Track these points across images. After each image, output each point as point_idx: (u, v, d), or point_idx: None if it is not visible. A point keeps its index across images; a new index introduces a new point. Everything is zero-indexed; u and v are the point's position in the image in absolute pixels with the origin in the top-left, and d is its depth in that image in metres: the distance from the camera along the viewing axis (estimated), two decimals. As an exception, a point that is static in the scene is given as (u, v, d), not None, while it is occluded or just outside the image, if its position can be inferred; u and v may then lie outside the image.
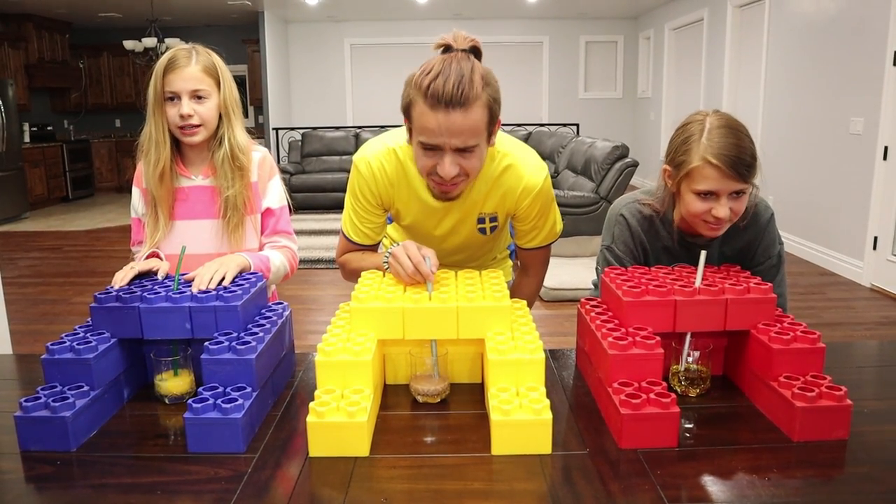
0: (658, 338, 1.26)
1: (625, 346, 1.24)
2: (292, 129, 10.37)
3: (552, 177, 6.91)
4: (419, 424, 1.29)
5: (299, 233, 7.24)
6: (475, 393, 1.40)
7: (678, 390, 1.38)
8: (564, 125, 10.34)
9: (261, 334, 1.31)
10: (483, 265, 1.87)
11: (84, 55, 11.30)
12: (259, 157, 1.84)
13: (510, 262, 2.02)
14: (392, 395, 1.40)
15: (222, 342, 1.27)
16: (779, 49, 6.52)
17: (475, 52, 1.42)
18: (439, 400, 1.36)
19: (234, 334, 1.32)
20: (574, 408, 1.34)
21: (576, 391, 1.42)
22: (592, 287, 1.94)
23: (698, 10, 8.61)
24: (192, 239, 1.77)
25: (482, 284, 1.42)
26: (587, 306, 1.48)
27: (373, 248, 1.78)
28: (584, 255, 5.69)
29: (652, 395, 1.18)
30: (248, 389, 1.24)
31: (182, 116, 1.69)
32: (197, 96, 1.71)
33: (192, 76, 1.70)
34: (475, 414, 1.31)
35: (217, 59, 1.77)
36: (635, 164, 5.86)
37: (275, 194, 1.86)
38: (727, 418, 1.29)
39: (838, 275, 5.47)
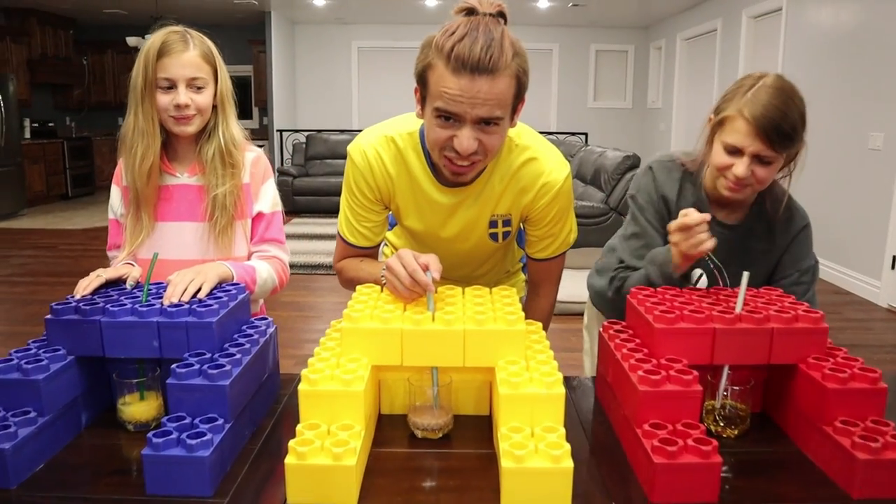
0: (695, 372, 1.09)
1: (657, 382, 1.07)
2: (297, 131, 10.22)
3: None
4: (417, 465, 1.11)
5: (301, 237, 7.08)
6: (482, 427, 1.23)
7: (713, 429, 1.21)
8: (573, 134, 10.18)
9: (238, 356, 1.14)
10: (494, 280, 1.70)
11: (88, 52, 11.15)
12: (253, 157, 1.68)
13: (522, 277, 1.84)
14: (387, 428, 1.23)
15: (192, 364, 1.10)
16: (795, 61, 6.34)
17: (502, 17, 1.25)
18: (441, 435, 1.18)
19: (208, 355, 1.15)
20: (595, 450, 1.17)
21: (596, 429, 1.25)
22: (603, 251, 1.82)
23: (712, 20, 8.45)
24: (175, 243, 1.62)
25: (493, 303, 1.25)
26: (611, 331, 1.31)
27: (372, 251, 1.60)
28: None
29: (690, 442, 1.01)
30: (220, 421, 1.07)
31: (178, 106, 1.54)
32: (195, 85, 1.56)
33: (191, 62, 1.54)
34: (482, 454, 1.13)
35: (213, 46, 1.62)
36: (647, 175, 5.67)
37: (268, 198, 1.69)
38: (772, 467, 1.12)
39: (854, 294, 5.28)
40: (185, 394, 1.08)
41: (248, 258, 1.66)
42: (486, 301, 1.25)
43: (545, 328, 1.54)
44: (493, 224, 1.51)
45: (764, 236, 1.56)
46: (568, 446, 0.98)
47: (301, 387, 1.07)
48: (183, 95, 1.54)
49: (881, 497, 1.01)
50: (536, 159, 1.44)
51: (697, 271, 1.56)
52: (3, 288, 5.26)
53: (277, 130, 10.20)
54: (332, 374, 1.09)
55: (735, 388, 1.20)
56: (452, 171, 1.34)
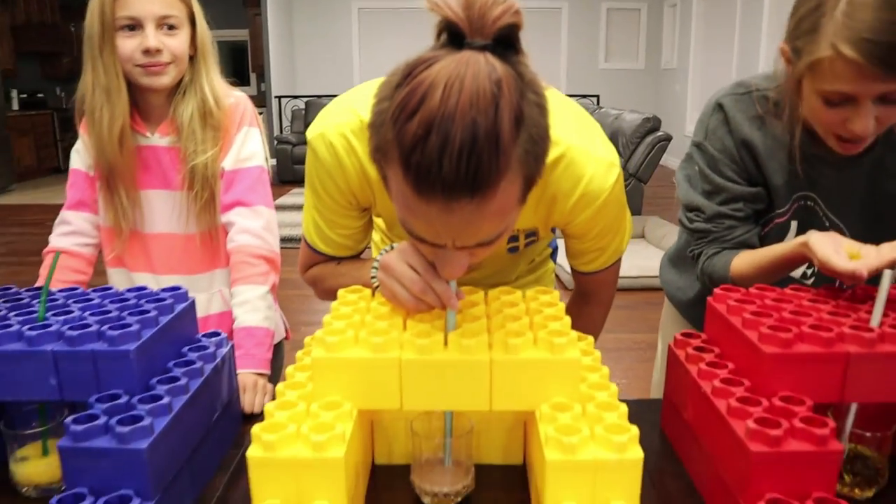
0: (831, 422, 0.74)
1: (778, 439, 0.72)
2: (296, 97, 9.82)
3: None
4: (425, 555, 0.78)
5: (297, 208, 6.72)
6: (514, 486, 0.88)
7: (839, 489, 0.86)
8: (584, 96, 9.77)
9: (166, 399, 0.80)
10: (515, 276, 1.31)
11: (75, 18, 10.70)
12: (231, 104, 1.36)
13: (552, 266, 1.45)
14: (384, 488, 0.89)
15: (97, 416, 0.76)
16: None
17: (507, 41, 0.72)
18: (458, 501, 0.84)
19: (123, 399, 0.80)
20: (679, 527, 0.82)
21: (669, 487, 0.90)
22: (678, 193, 1.28)
23: (733, -27, 7.98)
24: (148, 215, 1.37)
25: (530, 315, 0.89)
26: (689, 349, 0.95)
27: (353, 258, 1.18)
28: (610, 238, 5.15)
29: (837, 537, 0.67)
30: (137, 501, 0.72)
31: (147, 51, 1.25)
32: (167, 24, 1.26)
33: None
34: (517, 535, 0.79)
35: None
36: (668, 138, 5.29)
37: (237, 150, 1.35)
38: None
39: None
40: (85, 462, 0.74)
41: (224, 241, 1.37)
42: (520, 312, 0.89)
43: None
44: (513, 239, 1.12)
45: None
46: (655, 549, 0.64)
47: (251, 452, 0.72)
48: (152, 38, 1.25)
49: None
50: (572, 160, 0.99)
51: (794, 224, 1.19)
52: (-18, 269, 4.95)
53: (276, 97, 9.82)
54: (297, 431, 0.74)
55: (874, 433, 0.85)
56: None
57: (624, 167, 5.34)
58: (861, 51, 0.91)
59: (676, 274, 1.43)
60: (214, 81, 1.35)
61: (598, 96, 9.97)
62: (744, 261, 1.13)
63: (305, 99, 9.46)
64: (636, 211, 5.46)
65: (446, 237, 0.75)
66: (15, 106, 9.21)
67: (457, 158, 0.65)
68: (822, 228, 1.18)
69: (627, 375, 3.15)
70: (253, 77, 11.01)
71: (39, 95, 9.99)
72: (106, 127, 1.28)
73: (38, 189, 8.40)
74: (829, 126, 1.04)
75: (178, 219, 1.36)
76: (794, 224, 1.20)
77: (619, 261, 1.16)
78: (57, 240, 1.42)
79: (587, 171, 0.98)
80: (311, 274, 1.18)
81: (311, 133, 1.03)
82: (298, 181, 8.26)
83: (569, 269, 1.25)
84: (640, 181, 5.31)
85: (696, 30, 9.24)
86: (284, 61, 10.34)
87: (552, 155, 0.90)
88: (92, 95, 1.29)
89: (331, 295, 1.04)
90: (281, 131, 9.81)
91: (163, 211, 1.37)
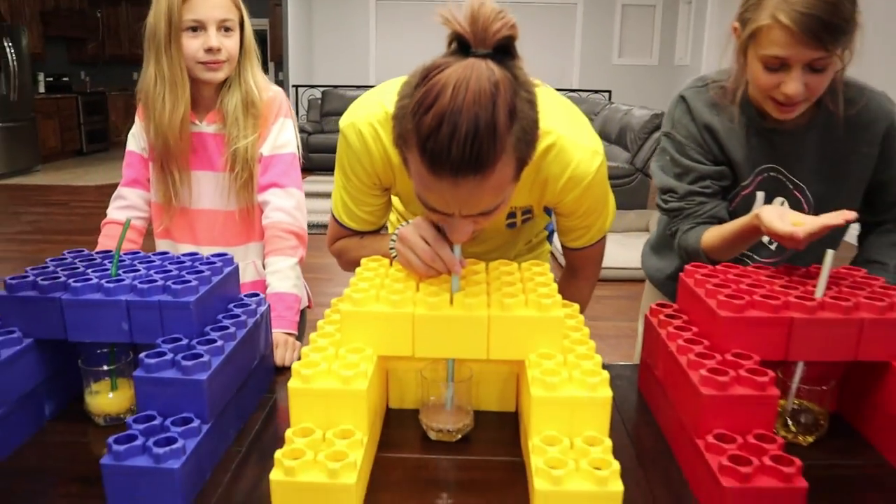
0: (771, 373, 0.90)
1: (725, 385, 0.88)
2: (312, 86, 9.96)
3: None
4: (430, 476, 0.93)
5: (315, 196, 6.88)
6: (508, 427, 1.04)
7: (784, 436, 1.01)
8: (596, 91, 9.85)
9: (220, 343, 0.96)
10: (512, 254, 1.47)
11: (102, 4, 10.89)
12: (269, 97, 1.54)
13: (548, 247, 1.61)
14: (396, 426, 1.05)
15: (164, 354, 0.92)
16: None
17: (505, 49, 0.88)
18: (459, 437, 1.00)
19: (184, 342, 0.97)
20: (644, 462, 0.98)
21: (642, 434, 1.06)
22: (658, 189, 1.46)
23: (747, -29, 8.05)
24: (195, 193, 1.55)
25: (523, 283, 1.05)
26: (660, 316, 1.11)
27: (374, 233, 1.35)
28: (618, 230, 5.28)
29: (767, 460, 0.82)
30: (196, 423, 0.89)
31: (210, 50, 1.43)
32: (224, 27, 1.45)
33: (221, 3, 1.44)
34: (507, 463, 0.95)
35: None
36: (676, 135, 5.40)
37: (271, 139, 1.54)
38: (858, 484, 0.93)
39: None
40: (155, 389, 0.90)
41: (259, 218, 1.56)
42: (515, 280, 1.05)
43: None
44: (511, 215, 1.28)
45: (845, 137, 1.31)
46: (616, 465, 0.80)
47: (291, 384, 0.89)
48: (214, 38, 1.43)
49: None
50: (561, 148, 1.15)
51: (760, 194, 1.36)
52: (12, 246, 5.13)
53: (293, 86, 9.94)
54: (329, 369, 0.91)
55: (813, 388, 1.00)
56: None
57: (631, 162, 5.48)
58: (794, 20, 1.10)
59: (657, 259, 1.61)
60: (257, 76, 1.53)
61: (609, 92, 10.02)
62: (712, 234, 1.30)
63: (322, 89, 9.58)
64: (642, 205, 5.59)
65: (454, 207, 0.93)
66: (41, 89, 9.40)
67: (463, 144, 0.82)
68: (787, 193, 1.35)
69: (625, 361, 3.29)
70: (271, 66, 11.14)
71: (65, 79, 10.20)
72: (168, 114, 1.45)
73: (61, 171, 8.60)
74: (767, 90, 1.21)
75: (220, 197, 1.54)
76: (761, 195, 1.36)
77: (603, 239, 1.33)
78: (114, 212, 1.60)
79: (574, 158, 1.15)
80: (337, 246, 1.35)
81: (343, 122, 1.20)
82: (314, 169, 8.41)
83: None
84: (647, 176, 5.44)
85: (710, 27, 9.30)
86: (302, 51, 10.45)
87: (544, 143, 1.11)
88: (155, 87, 1.45)
89: (353, 265, 1.22)
90: (297, 119, 9.94)
91: (207, 189, 1.54)
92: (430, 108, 0.83)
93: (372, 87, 1.26)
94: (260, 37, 10.71)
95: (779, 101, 1.21)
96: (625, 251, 4.36)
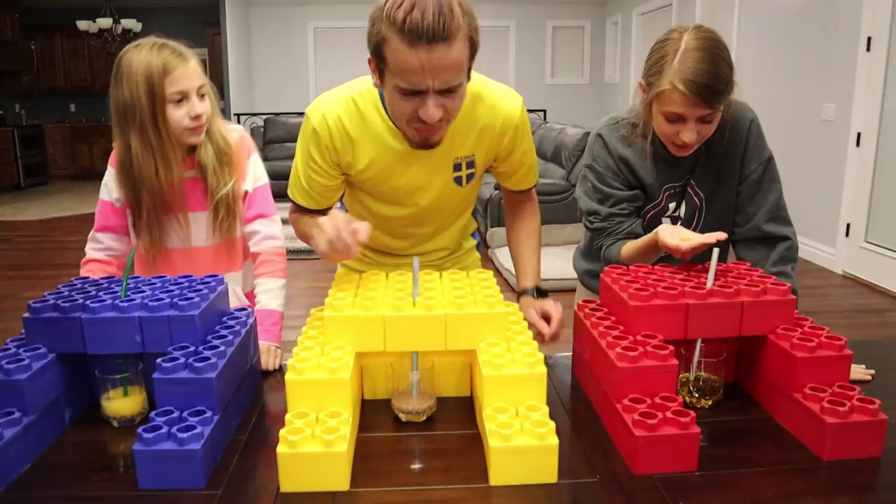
0: (671, 347, 1.13)
1: (635, 358, 1.11)
2: (254, 114, 10.06)
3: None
4: (404, 448, 1.14)
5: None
6: (464, 409, 1.25)
7: (688, 401, 1.25)
8: (532, 111, 10.21)
9: (222, 348, 1.15)
10: (451, 248, 1.73)
11: (36, 36, 10.83)
12: (237, 139, 1.70)
13: (478, 256, 1.86)
14: (371, 413, 1.25)
15: (177, 358, 1.11)
16: (749, 34, 6.44)
17: None
18: (425, 418, 1.21)
19: (192, 348, 1.15)
20: (577, 426, 1.20)
21: (576, 406, 1.28)
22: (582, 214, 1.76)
23: (667, -6, 8.52)
24: (180, 234, 1.68)
25: (471, 286, 1.27)
26: (586, 310, 1.34)
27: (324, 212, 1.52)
28: (556, 244, 5.57)
29: (668, 414, 1.05)
30: (209, 413, 1.07)
31: (197, 116, 1.56)
32: (201, 93, 1.58)
33: (196, 72, 1.57)
34: (466, 435, 1.16)
35: None
36: (608, 151, 5.73)
37: (251, 175, 1.72)
38: (746, 433, 1.17)
39: (811, 262, 5.43)
40: (172, 388, 1.08)
41: (244, 246, 1.74)
42: (464, 285, 1.27)
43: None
44: (457, 167, 1.51)
45: (719, 151, 1.58)
46: (552, 423, 1.02)
47: (288, 376, 1.08)
48: (199, 106, 1.56)
49: (848, 458, 1.07)
50: (488, 95, 1.46)
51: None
52: (-42, 284, 5.14)
53: (235, 114, 10.03)
54: (317, 363, 1.10)
55: (708, 360, 1.24)
56: (422, 138, 1.36)
57: (567, 178, 5.78)
58: (687, 86, 1.37)
59: (586, 262, 1.87)
60: (222, 126, 1.67)
61: (544, 111, 10.39)
62: (628, 248, 1.55)
63: (264, 116, 9.69)
64: (579, 219, 5.87)
65: (430, 78, 1.20)
66: (-26, 124, 9.31)
67: (432, 17, 1.14)
68: (692, 202, 1.63)
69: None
70: (211, 94, 11.18)
71: (-1, 113, 10.11)
72: (164, 178, 1.57)
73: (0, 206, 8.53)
74: (668, 136, 1.49)
75: (202, 235, 1.67)
76: (672, 205, 1.64)
77: (537, 183, 1.67)
78: (92, 252, 1.72)
79: (501, 100, 1.47)
80: (294, 217, 1.59)
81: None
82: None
83: (514, 271, 1.69)
84: (583, 190, 5.73)
85: (636, 46, 9.73)
86: (243, 80, 10.55)
87: (472, 90, 1.41)
88: (142, 160, 1.55)
89: (303, 237, 1.53)
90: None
91: (191, 230, 1.67)
92: (400, 3, 1.15)
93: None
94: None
95: (677, 144, 1.49)
96: (565, 264, 4.57)
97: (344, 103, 1.43)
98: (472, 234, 1.84)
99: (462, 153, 1.48)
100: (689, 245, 1.31)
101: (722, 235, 1.29)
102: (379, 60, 1.24)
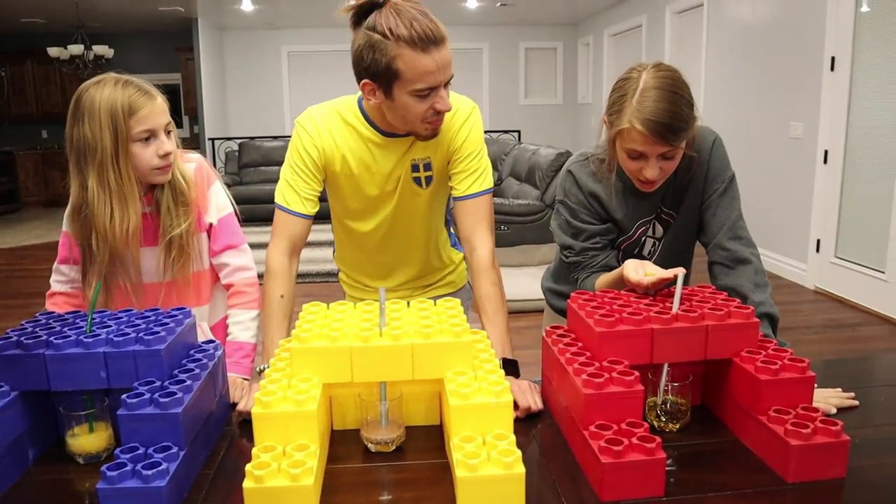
0: (637, 373, 1.14)
1: (601, 385, 1.12)
2: (229, 139, 10.04)
3: (496, 184, 6.82)
4: (373, 479, 1.13)
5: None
6: (433, 437, 1.25)
7: (656, 425, 1.26)
8: (506, 132, 10.29)
9: (188, 382, 1.14)
10: (432, 265, 1.78)
11: (6, 62, 10.75)
12: (194, 168, 1.64)
13: (464, 268, 1.91)
14: (341, 444, 1.24)
15: (143, 394, 1.10)
16: (718, 54, 6.56)
17: None
18: (394, 448, 1.21)
19: (157, 383, 1.14)
20: (545, 451, 1.21)
21: (544, 431, 1.29)
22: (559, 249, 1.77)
23: (637, 16, 8.65)
24: (137, 269, 1.62)
25: (438, 316, 1.28)
26: (553, 336, 1.35)
27: (307, 220, 1.59)
28: (531, 264, 5.59)
29: (634, 440, 1.06)
30: (175, 449, 1.06)
31: (165, 155, 1.51)
32: (167, 130, 1.54)
33: (163, 109, 1.52)
34: (435, 464, 1.16)
35: None
36: (581, 171, 5.78)
37: (214, 206, 1.66)
38: (713, 456, 1.18)
39: (783, 277, 5.50)
40: (137, 424, 1.07)
41: (213, 277, 1.71)
42: (431, 314, 1.28)
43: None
44: (414, 168, 1.60)
45: (684, 176, 1.60)
46: (519, 452, 1.02)
47: (254, 409, 1.08)
48: (167, 144, 1.51)
49: (813, 479, 1.08)
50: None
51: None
52: (-74, 315, 5.05)
53: (209, 139, 10.01)
54: (284, 396, 1.10)
55: (675, 384, 1.25)
56: (434, 129, 1.50)
57: (540, 199, 5.81)
58: (646, 126, 1.39)
59: (555, 284, 1.88)
60: (180, 163, 1.60)
61: (518, 132, 10.48)
62: (602, 280, 1.58)
63: (239, 140, 9.67)
64: (552, 239, 5.92)
65: (441, 75, 1.39)
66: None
67: (428, 24, 1.34)
68: (667, 227, 1.66)
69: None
70: (186, 120, 11.16)
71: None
72: (118, 226, 1.49)
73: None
74: (632, 173, 1.52)
75: (153, 271, 1.62)
76: (646, 239, 1.67)
77: (490, 196, 1.64)
78: (55, 285, 1.67)
79: (455, 101, 1.54)
80: (270, 286, 1.56)
81: (299, 118, 1.59)
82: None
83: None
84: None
85: (608, 66, 9.87)
86: (217, 104, 10.53)
87: None
88: (100, 202, 1.47)
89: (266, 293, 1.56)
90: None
91: (147, 265, 1.62)
92: (398, 19, 1.33)
93: (288, 136, 1.53)
94: (173, 91, 10.79)
95: (641, 181, 1.51)
96: (538, 284, 4.64)
97: (329, 112, 1.59)
98: (456, 247, 1.88)
99: (418, 155, 1.59)
100: (649, 281, 1.33)
101: (681, 271, 1.30)
102: (387, 78, 1.39)
